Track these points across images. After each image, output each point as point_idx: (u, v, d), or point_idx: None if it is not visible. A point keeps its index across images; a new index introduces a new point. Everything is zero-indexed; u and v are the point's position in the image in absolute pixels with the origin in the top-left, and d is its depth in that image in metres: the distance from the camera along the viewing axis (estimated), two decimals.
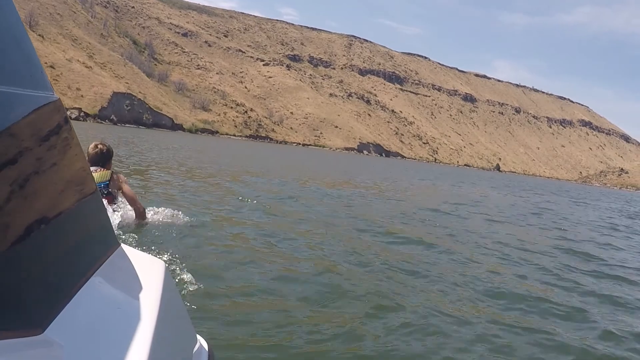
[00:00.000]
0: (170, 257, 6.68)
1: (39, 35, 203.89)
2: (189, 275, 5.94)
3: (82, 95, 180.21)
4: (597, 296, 8.63)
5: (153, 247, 7.19)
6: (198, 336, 1.84)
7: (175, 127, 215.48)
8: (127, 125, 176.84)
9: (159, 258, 2.13)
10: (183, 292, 5.43)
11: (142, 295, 1.49)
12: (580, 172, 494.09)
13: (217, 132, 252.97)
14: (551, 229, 18.58)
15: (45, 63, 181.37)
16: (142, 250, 3.29)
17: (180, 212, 9.63)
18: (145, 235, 8.03)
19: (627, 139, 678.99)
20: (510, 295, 7.67)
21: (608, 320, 7.20)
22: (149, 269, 1.61)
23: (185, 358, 1.65)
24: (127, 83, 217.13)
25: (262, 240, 9.17)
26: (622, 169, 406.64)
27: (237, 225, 10.47)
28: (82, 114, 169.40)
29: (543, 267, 10.35)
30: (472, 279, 8.29)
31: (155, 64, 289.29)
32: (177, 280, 5.78)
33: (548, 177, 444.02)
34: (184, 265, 6.33)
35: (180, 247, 7.54)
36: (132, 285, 1.55)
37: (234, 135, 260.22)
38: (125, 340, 1.28)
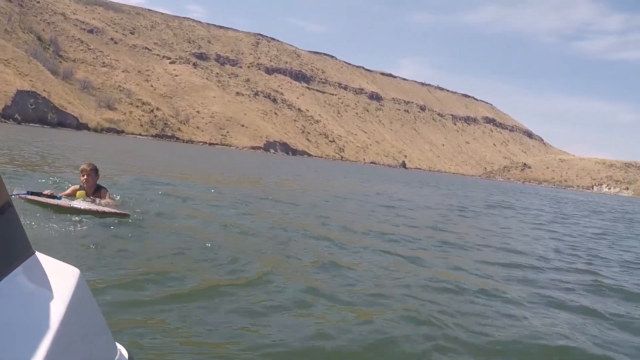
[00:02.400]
0: (92, 266, 7.31)
1: None
2: (109, 284, 6.39)
3: None
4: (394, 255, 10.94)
5: (78, 257, 7.78)
6: (118, 345, 1.87)
7: (81, 126, 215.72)
8: (31, 124, 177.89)
9: (76, 266, 1.63)
10: (104, 301, 5.63)
11: (51, 303, 1.50)
12: (485, 168, 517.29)
13: (122, 131, 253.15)
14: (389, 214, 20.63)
15: None
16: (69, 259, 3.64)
17: (100, 220, 10.93)
18: (69, 245, 8.69)
19: (530, 135, 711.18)
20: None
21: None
22: (62, 277, 1.62)
23: None
24: (32, 81, 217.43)
25: (183, 248, 9.35)
26: (524, 164, 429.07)
27: (156, 230, 10.88)
28: None
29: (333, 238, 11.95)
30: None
31: (60, 61, 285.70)
32: (98, 288, 6.14)
33: (453, 173, 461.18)
34: (104, 274, 6.88)
35: (101, 256, 8.06)
36: (41, 292, 1.56)
37: (140, 135, 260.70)
38: (26, 346, 1.30)
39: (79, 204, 11.33)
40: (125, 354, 1.82)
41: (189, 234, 10.42)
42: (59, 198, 11.54)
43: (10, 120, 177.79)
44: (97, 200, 11.96)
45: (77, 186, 12.38)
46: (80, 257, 7.67)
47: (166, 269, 7.55)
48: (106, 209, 11.21)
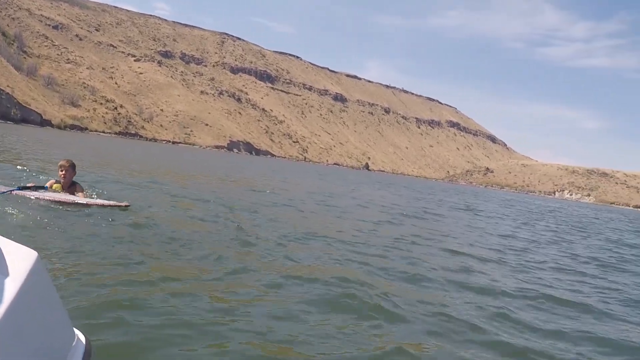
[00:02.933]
0: (54, 251, 7.44)
1: None
2: (72, 270, 6.47)
3: None
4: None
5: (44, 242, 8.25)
6: (76, 331, 1.84)
7: (44, 123, 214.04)
8: None
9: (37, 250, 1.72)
10: (65, 287, 5.69)
11: (3, 285, 1.48)
12: (448, 172, 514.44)
13: (86, 128, 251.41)
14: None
15: None
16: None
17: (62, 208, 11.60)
18: (36, 231, 9.18)
19: (493, 139, 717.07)
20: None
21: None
22: (17, 259, 1.59)
23: (58, 351, 1.66)
24: None
25: (146, 237, 9.84)
26: (487, 168, 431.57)
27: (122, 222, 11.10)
28: None
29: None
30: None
31: (25, 57, 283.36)
32: (60, 274, 6.23)
33: (416, 176, 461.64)
34: (66, 259, 6.99)
35: (67, 244, 8.33)
36: None
37: (104, 132, 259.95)
38: None
39: (82, 199, 12.66)
40: (82, 339, 1.81)
41: (155, 225, 11.29)
42: (45, 188, 12.92)
43: None
44: (76, 194, 13.14)
45: (53, 180, 13.57)
46: (47, 243, 8.20)
47: (131, 258, 8.00)
48: (106, 202, 12.61)
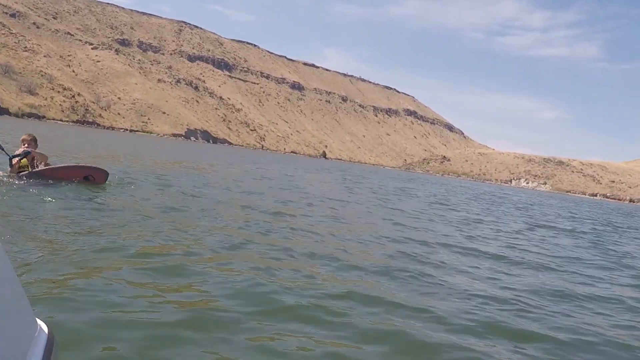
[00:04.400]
0: (17, 239, 7.21)
1: None
2: (35, 258, 6.22)
3: None
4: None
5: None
6: (38, 320, 1.81)
7: (1, 111, 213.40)
8: None
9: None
10: (27, 274, 5.48)
11: None
12: (405, 160, 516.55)
13: (43, 117, 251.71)
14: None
15: None
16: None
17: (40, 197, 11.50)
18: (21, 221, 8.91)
19: (450, 128, 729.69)
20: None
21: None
22: None
23: (19, 342, 1.61)
24: None
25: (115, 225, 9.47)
26: (444, 156, 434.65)
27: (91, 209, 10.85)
28: None
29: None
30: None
31: None
32: (22, 262, 6.06)
33: (373, 164, 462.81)
34: (34, 251, 6.69)
35: (29, 229, 8.18)
36: None
37: (61, 121, 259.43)
38: None
39: (65, 163, 13.33)
40: (45, 329, 1.80)
41: (118, 208, 11.40)
42: (10, 159, 13.51)
43: None
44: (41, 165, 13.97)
45: (17, 160, 13.72)
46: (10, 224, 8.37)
47: (98, 243, 7.90)
48: (87, 165, 13.54)
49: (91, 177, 14.49)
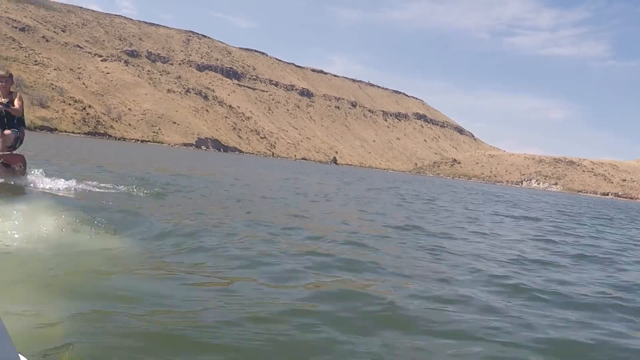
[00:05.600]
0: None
1: None
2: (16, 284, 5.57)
3: None
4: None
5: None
6: (21, 356, 1.81)
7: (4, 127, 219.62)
8: None
9: None
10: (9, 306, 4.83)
11: None
12: (416, 164, 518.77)
13: (55, 129, 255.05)
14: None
15: None
16: None
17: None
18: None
19: (460, 131, 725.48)
20: None
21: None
22: None
23: None
24: None
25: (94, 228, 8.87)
26: (454, 159, 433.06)
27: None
28: None
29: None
30: None
31: None
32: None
33: (384, 169, 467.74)
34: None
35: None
36: None
37: (73, 133, 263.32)
38: None
39: None
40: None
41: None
42: None
43: None
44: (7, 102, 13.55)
45: None
46: None
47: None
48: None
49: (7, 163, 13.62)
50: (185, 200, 15.30)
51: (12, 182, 13.27)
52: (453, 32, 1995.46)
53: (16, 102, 13.71)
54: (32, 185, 13.79)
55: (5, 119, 13.55)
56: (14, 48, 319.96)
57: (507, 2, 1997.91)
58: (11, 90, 13.93)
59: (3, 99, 13.50)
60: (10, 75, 14.13)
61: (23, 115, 14.19)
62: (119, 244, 8.28)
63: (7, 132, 13.53)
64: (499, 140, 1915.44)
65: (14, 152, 13.92)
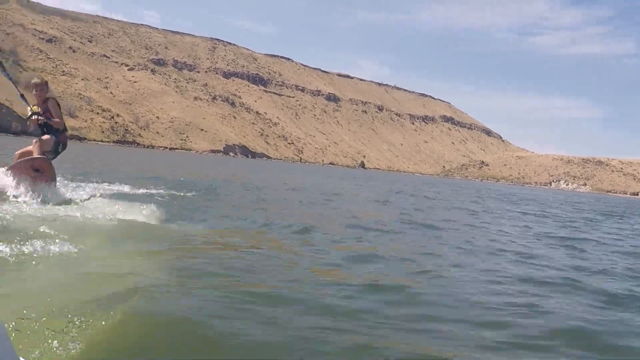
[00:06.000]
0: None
1: None
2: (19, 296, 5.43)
3: None
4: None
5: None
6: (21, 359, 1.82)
7: (44, 134, 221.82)
8: None
9: None
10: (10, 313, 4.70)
11: None
12: (444, 167, 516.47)
13: (84, 138, 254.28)
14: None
15: None
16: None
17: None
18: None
19: (488, 132, 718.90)
20: None
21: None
22: None
23: None
24: None
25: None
26: (482, 161, 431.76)
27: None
28: None
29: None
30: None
31: (21, 71, 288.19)
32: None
33: (412, 173, 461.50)
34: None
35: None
36: None
37: (102, 141, 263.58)
38: None
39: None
40: None
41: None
42: (24, 99, 13.95)
43: None
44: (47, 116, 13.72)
45: (34, 104, 13.94)
46: None
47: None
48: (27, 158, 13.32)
49: (39, 169, 13.48)
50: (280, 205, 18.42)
51: (42, 189, 13.10)
52: (478, 33, 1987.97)
53: (53, 111, 13.97)
54: (69, 191, 14.68)
55: (44, 128, 13.93)
56: (41, 59, 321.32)
57: (529, 1, 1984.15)
58: (47, 96, 14.08)
59: (38, 107, 13.84)
60: (45, 83, 14.28)
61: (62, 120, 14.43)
62: (195, 228, 11.11)
63: (45, 137, 13.81)
64: (525, 141, 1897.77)
65: (57, 156, 14.35)
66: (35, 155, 13.45)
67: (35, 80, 14.12)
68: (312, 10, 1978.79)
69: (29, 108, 14.00)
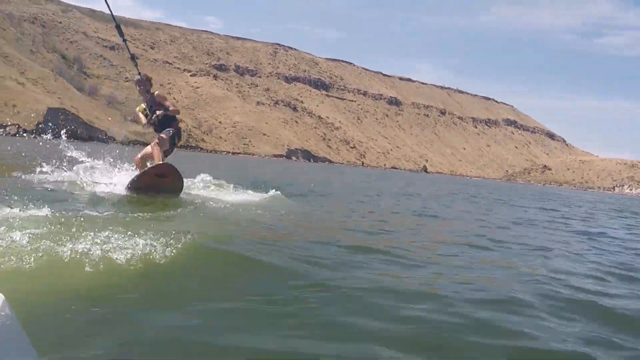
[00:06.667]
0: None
1: None
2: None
3: (18, 112, 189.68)
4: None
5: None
6: None
7: (109, 139, 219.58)
8: (63, 139, 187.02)
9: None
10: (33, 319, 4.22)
11: None
12: (507, 171, 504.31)
13: (148, 143, 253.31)
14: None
15: None
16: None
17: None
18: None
19: (552, 136, 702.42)
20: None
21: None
22: None
23: None
24: (60, 98, 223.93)
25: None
26: (545, 165, 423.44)
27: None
28: (20, 130, 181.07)
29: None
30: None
31: (85, 78, 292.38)
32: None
33: (475, 177, 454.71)
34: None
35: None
36: None
37: None
38: None
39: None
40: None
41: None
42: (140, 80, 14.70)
43: (43, 136, 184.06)
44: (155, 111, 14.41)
45: (142, 105, 14.74)
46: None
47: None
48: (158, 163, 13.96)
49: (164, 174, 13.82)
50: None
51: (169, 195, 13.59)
52: (541, 35, 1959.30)
53: (166, 103, 14.49)
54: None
55: (157, 123, 14.37)
56: (104, 66, 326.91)
57: (594, 2, 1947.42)
58: (152, 91, 14.72)
59: (145, 104, 14.51)
60: (148, 79, 14.93)
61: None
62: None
63: (162, 135, 14.34)
64: (589, 145, 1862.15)
65: (174, 148, 14.98)
66: (157, 161, 13.84)
67: (137, 77, 14.64)
68: (374, 16, 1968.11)
69: (141, 115, 14.81)
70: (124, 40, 14.05)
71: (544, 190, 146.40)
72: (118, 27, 13.37)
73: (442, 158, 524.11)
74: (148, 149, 14.61)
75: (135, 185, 13.80)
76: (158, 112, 14.15)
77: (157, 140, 14.20)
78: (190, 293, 5.73)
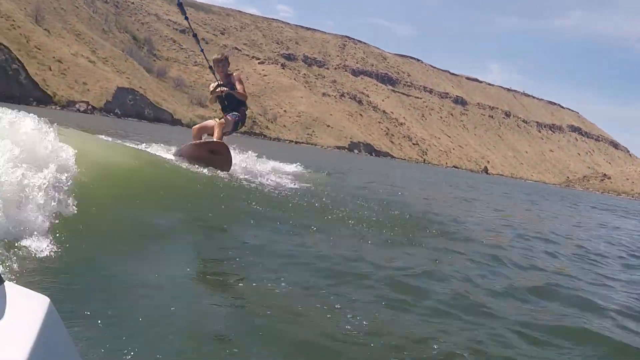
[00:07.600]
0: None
1: (45, 29, 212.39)
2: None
3: (88, 90, 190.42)
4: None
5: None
6: None
7: (175, 122, 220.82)
8: (129, 118, 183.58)
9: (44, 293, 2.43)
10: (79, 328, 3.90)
11: (16, 337, 1.39)
12: (567, 177, 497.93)
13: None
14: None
15: (53, 57, 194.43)
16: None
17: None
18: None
19: (615, 145, 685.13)
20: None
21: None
22: (29, 307, 1.49)
23: None
24: (129, 78, 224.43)
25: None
26: (604, 174, 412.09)
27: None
28: (89, 107, 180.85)
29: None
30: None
31: (154, 60, 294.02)
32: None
33: (535, 181, 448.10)
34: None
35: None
36: (4, 325, 1.43)
37: (228, 131, 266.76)
38: None
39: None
40: None
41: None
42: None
43: (111, 114, 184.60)
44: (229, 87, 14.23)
45: (215, 84, 14.38)
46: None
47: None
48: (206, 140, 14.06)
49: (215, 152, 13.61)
50: None
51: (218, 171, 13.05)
52: (612, 41, 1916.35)
53: (238, 85, 14.35)
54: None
55: (225, 102, 14.49)
56: (174, 49, 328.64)
57: None
58: (229, 72, 14.57)
59: (221, 82, 14.24)
60: (226, 58, 14.69)
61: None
62: None
63: (228, 117, 14.42)
64: None
65: (234, 133, 15.17)
66: (216, 136, 13.77)
67: (215, 56, 14.54)
68: (449, 15, 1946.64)
69: (214, 83, 14.37)
70: (186, 18, 14.65)
71: (603, 198, 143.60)
72: (180, 4, 14.23)
73: (503, 160, 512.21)
74: (210, 122, 14.52)
75: (185, 153, 13.89)
76: (224, 89, 13.97)
77: (221, 120, 14.11)
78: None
